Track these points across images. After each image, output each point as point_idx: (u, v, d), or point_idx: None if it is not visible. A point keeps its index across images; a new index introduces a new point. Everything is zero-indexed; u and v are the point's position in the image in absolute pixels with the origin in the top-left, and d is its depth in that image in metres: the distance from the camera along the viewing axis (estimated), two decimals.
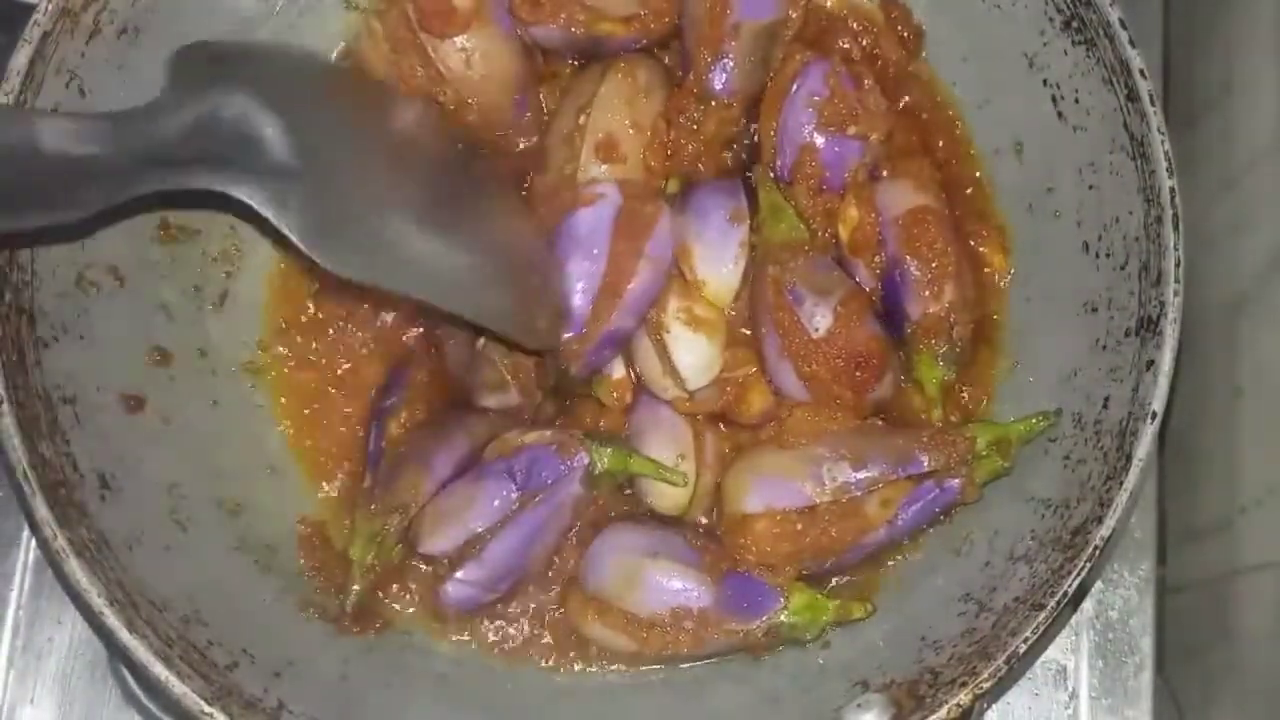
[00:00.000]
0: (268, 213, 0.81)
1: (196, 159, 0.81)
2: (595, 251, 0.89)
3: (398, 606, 0.93)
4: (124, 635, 0.80)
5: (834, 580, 0.93)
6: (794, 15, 0.94)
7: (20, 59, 0.83)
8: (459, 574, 0.89)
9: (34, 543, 1.00)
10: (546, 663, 0.93)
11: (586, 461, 0.89)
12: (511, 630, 0.94)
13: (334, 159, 0.85)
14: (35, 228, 0.82)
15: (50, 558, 0.89)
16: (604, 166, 0.92)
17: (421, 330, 0.97)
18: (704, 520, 0.94)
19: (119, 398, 0.90)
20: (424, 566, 0.93)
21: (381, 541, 0.89)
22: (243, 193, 0.81)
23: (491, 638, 0.94)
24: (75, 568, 0.80)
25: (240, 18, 0.95)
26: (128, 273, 0.91)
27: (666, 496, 0.92)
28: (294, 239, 0.81)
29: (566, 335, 0.89)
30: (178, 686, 0.80)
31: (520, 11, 0.93)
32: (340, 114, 0.91)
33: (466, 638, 0.93)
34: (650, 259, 0.89)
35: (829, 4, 0.96)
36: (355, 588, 0.90)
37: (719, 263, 0.90)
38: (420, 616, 0.93)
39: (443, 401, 0.95)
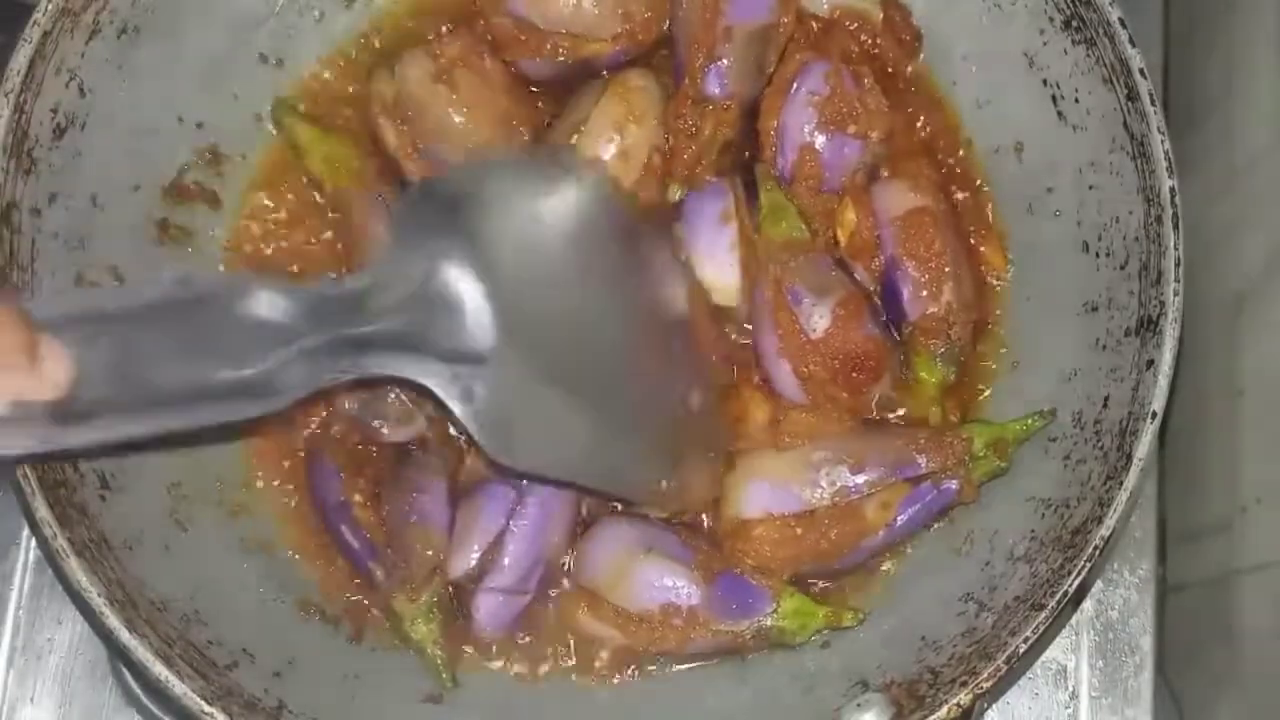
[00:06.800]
0: (453, 405, 0.80)
1: (391, 340, 0.77)
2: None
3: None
4: (124, 635, 0.80)
5: (836, 581, 0.93)
6: (786, 20, 0.94)
7: (20, 59, 0.83)
8: (488, 583, 0.88)
9: (34, 543, 1.00)
10: (546, 663, 0.93)
11: None
12: None
13: (522, 317, 0.82)
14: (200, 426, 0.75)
15: (50, 558, 0.89)
16: None
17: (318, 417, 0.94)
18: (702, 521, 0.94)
19: None
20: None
21: (437, 608, 0.89)
22: (432, 382, 0.79)
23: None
24: (75, 568, 0.80)
25: (240, 18, 0.95)
26: (127, 273, 0.91)
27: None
28: (475, 434, 0.81)
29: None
30: (178, 686, 0.80)
31: (505, 49, 0.93)
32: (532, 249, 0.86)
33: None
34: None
35: (824, 11, 0.96)
36: (438, 661, 0.89)
37: (717, 264, 0.91)
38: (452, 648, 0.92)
39: (381, 462, 0.93)
